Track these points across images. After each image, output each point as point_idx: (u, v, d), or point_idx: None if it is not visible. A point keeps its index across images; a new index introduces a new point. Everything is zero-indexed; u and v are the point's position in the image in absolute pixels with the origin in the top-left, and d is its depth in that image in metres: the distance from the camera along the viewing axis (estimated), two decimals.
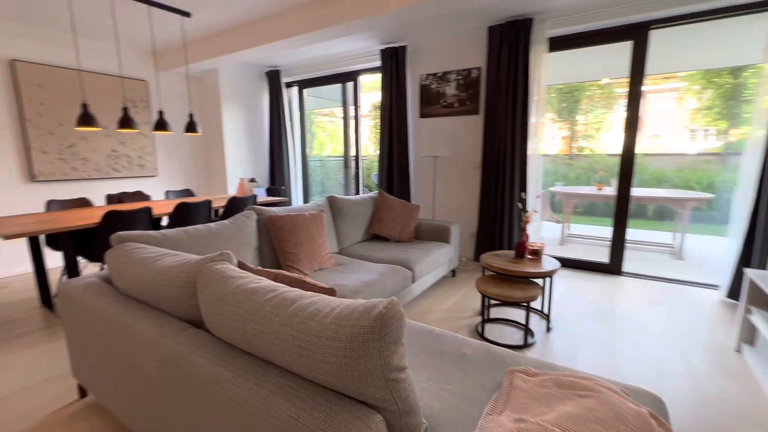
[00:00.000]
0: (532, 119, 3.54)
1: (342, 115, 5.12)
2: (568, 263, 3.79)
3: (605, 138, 6.17)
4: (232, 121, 5.09)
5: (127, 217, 2.60)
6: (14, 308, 2.91)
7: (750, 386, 1.87)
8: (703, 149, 5.65)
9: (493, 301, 2.87)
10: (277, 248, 2.35)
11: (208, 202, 3.12)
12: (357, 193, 5.14)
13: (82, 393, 1.78)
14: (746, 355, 2.12)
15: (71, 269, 2.49)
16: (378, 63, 4.45)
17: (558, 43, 3.48)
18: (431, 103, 4.16)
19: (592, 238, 5.10)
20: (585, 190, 4.83)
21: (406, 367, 0.88)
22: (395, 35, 3.97)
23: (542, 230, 5.06)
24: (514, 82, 3.50)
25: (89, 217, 2.61)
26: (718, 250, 4.51)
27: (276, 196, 4.44)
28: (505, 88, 3.54)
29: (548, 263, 2.42)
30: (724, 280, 2.94)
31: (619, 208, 3.45)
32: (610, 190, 4.55)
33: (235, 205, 3.32)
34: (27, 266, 3.88)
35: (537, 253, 2.50)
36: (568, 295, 3.06)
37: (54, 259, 4.05)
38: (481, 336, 2.34)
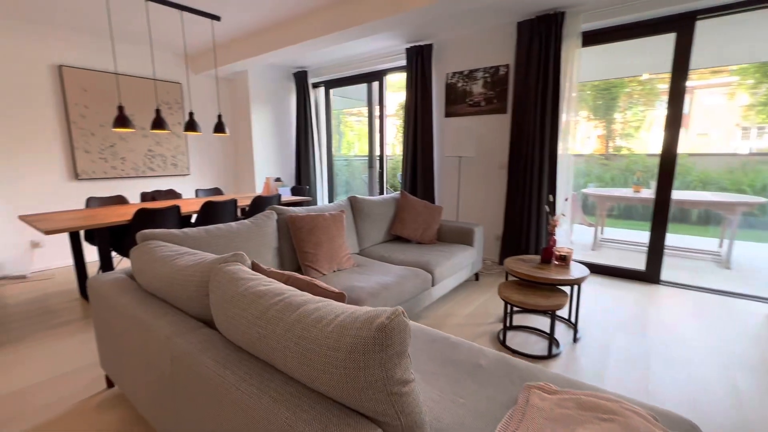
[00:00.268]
0: (563, 117, 3.38)
1: (367, 115, 5.11)
2: (600, 269, 3.59)
3: (645, 137, 5.81)
4: (260, 122, 5.21)
5: (157, 214, 2.70)
6: (57, 299, 3.11)
7: None
8: (756, 149, 5.20)
9: (516, 308, 2.76)
10: (296, 248, 2.37)
11: (234, 201, 3.20)
12: (381, 192, 5.12)
13: (110, 383, 1.86)
14: None
15: (105, 264, 2.62)
16: (403, 62, 4.40)
17: (592, 38, 3.30)
18: (457, 101, 4.06)
19: (628, 243, 4.82)
20: (621, 192, 4.57)
21: (411, 380, 0.84)
22: (421, 33, 3.91)
23: (572, 234, 4.84)
24: (544, 79, 3.35)
25: (122, 215, 2.74)
26: None
27: (300, 195, 4.50)
28: (534, 85, 3.40)
29: (576, 270, 2.30)
30: None
31: (658, 211, 3.23)
32: (649, 192, 4.27)
33: (259, 204, 3.39)
34: (70, 259, 4.14)
35: (564, 259, 2.38)
36: (599, 303, 2.89)
37: (93, 253, 4.30)
38: (503, 344, 2.25)
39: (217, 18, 3.49)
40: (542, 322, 2.57)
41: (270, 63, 4.67)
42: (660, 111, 5.46)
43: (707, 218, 5.33)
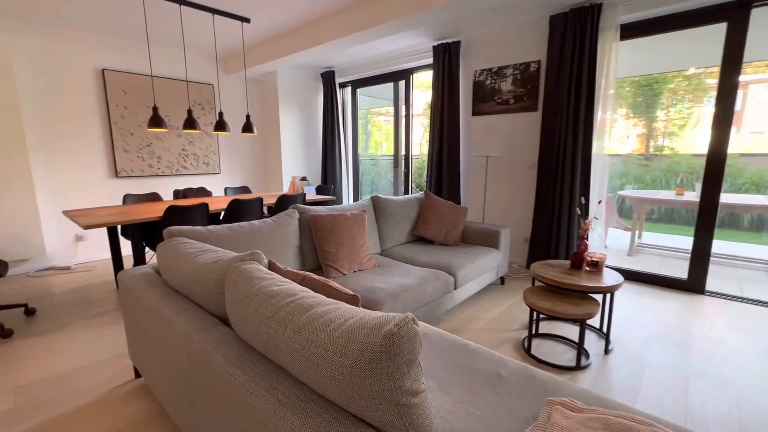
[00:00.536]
0: (599, 115, 3.21)
1: (393, 114, 5.08)
2: (636, 277, 3.38)
3: (690, 136, 5.43)
4: (288, 122, 5.30)
5: (186, 211, 2.79)
6: (96, 290, 3.29)
7: None
8: None
9: (543, 315, 2.64)
10: (317, 247, 2.37)
11: (260, 200, 3.26)
12: (406, 192, 5.07)
13: (137, 374, 1.93)
14: None
15: (138, 258, 2.74)
16: (430, 60, 4.34)
17: (632, 30, 3.10)
18: (485, 100, 3.95)
19: (669, 249, 4.51)
20: (662, 195, 4.29)
21: (422, 390, 0.80)
22: (448, 30, 3.83)
23: (607, 238, 4.60)
24: (578, 75, 3.19)
25: (154, 211, 2.85)
26: None
27: (325, 194, 4.54)
28: (567, 82, 3.25)
29: (609, 277, 2.16)
30: None
31: (704, 215, 3.00)
32: (694, 195, 3.98)
33: (284, 203, 3.43)
34: (109, 252, 4.37)
35: (597, 265, 2.25)
36: (635, 313, 2.72)
37: (130, 247, 4.52)
38: (527, 352, 2.15)
39: (246, 20, 3.57)
40: (571, 331, 2.45)
41: (298, 63, 4.73)
42: (708, 108, 5.08)
43: (761, 224, 4.91)
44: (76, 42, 3.89)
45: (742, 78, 2.74)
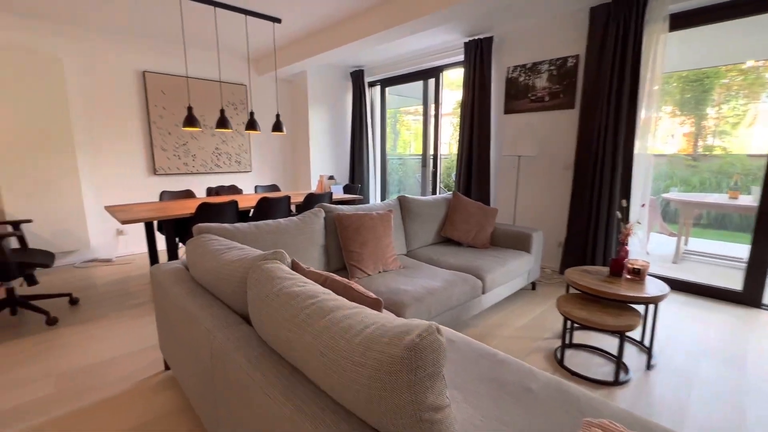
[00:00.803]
0: (642, 113, 3.00)
1: (423, 113, 5.01)
2: (682, 286, 3.14)
3: (745, 134, 4.99)
4: (317, 121, 5.35)
5: (217, 209, 2.86)
6: (134, 282, 3.44)
7: None
8: None
9: (577, 324, 2.49)
10: (342, 247, 2.35)
11: (287, 198, 3.29)
12: (434, 192, 4.99)
13: (167, 366, 1.99)
14: None
15: (171, 252, 2.83)
16: (461, 57, 4.23)
17: (682, 20, 2.88)
18: (518, 97, 3.80)
19: (719, 257, 4.17)
20: (713, 198, 3.97)
21: (446, 405, 0.74)
22: (480, 26, 3.72)
23: (649, 244, 4.31)
24: (620, 69, 3.00)
25: (187, 208, 2.94)
26: None
27: (352, 194, 4.53)
28: (608, 77, 3.06)
29: (653, 286, 2.00)
30: None
31: (764, 221, 2.73)
32: (749, 199, 3.66)
33: (311, 202, 3.45)
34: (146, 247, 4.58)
35: (639, 273, 2.09)
36: (680, 326, 2.51)
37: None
38: (560, 363, 2.04)
39: (278, 20, 3.62)
40: (608, 343, 2.29)
41: (327, 63, 4.76)
42: (767, 104, 4.66)
43: None
44: (120, 46, 4.09)
45: None
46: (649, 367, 2.02)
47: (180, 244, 3.34)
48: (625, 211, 2.97)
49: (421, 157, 5.13)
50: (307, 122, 5.28)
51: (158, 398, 1.76)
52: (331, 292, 1.06)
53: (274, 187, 4.58)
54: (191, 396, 1.49)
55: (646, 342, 2.26)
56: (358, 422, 0.77)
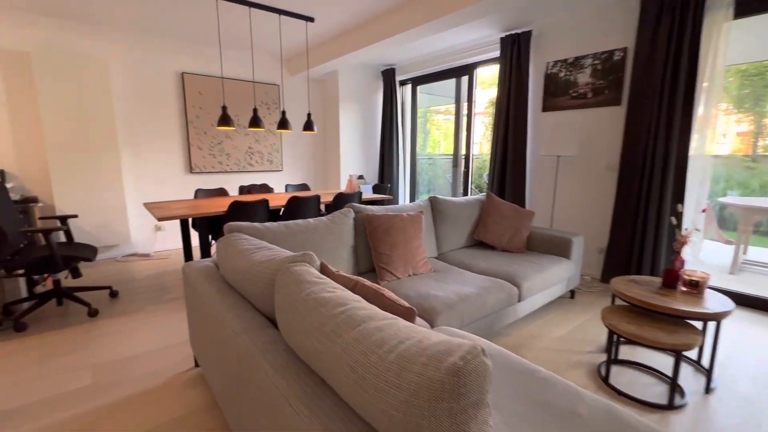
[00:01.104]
0: (699, 110, 2.74)
1: (455, 111, 4.87)
2: (741, 300, 2.85)
3: None
4: (347, 120, 5.33)
5: (248, 207, 2.88)
6: (169, 277, 3.55)
7: None
8: None
9: (623, 338, 2.30)
10: (371, 248, 2.29)
11: (317, 197, 3.27)
12: (465, 193, 4.84)
13: (196, 363, 2.00)
14: None
15: (204, 250, 2.88)
16: (496, 53, 4.07)
17: (752, 5, 2.60)
18: (558, 94, 3.60)
19: None
20: None
21: None
22: (518, 20, 3.55)
23: (702, 252, 3.97)
24: (674, 63, 2.76)
25: (220, 206, 2.98)
26: None
27: (381, 193, 4.48)
28: (661, 71, 2.82)
29: (714, 301, 1.80)
30: None
31: None
32: None
33: (340, 201, 3.42)
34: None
35: (697, 286, 1.89)
36: (742, 345, 2.27)
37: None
38: (605, 381, 1.88)
39: (311, 19, 3.62)
40: (658, 360, 2.10)
41: (359, 62, 4.72)
42: None
43: None
44: (161, 49, 4.24)
45: None
46: (708, 390, 1.82)
47: (212, 242, 3.40)
48: (680, 217, 2.73)
49: (452, 156, 5.00)
50: (338, 121, 5.28)
51: (188, 395, 1.77)
52: (361, 299, 1.00)
53: (304, 186, 4.61)
54: (218, 395, 1.47)
55: (704, 362, 2.04)
56: None
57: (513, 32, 3.72)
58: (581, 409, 1.11)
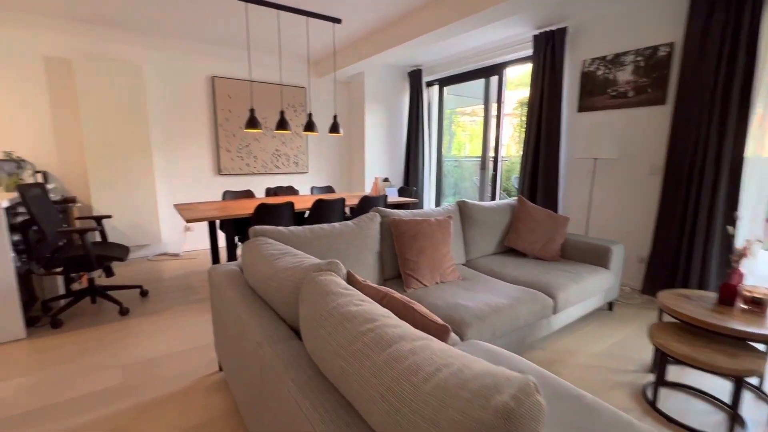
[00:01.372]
0: (758, 109, 2.51)
1: (483, 113, 4.73)
2: None
3: None
4: (373, 122, 5.29)
5: (274, 209, 2.88)
6: (196, 277, 3.60)
7: None
8: None
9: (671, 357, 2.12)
10: (398, 254, 2.22)
11: (342, 200, 3.23)
12: (493, 197, 4.69)
13: (220, 367, 1.99)
14: None
15: (230, 252, 2.90)
16: (528, 51, 3.91)
17: None
18: (595, 93, 3.41)
19: None
20: None
21: None
22: (553, 15, 3.39)
23: (759, 264, 3.65)
24: (729, 58, 2.54)
25: (246, 208, 2.99)
26: None
27: (407, 196, 4.39)
28: (713, 67, 2.60)
29: None
30: None
31: None
32: None
33: (366, 204, 3.37)
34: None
35: (760, 304, 1.70)
36: None
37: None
38: (652, 405, 1.72)
39: (338, 21, 3.60)
40: (714, 384, 1.91)
41: (386, 63, 4.68)
42: None
43: None
44: (193, 53, 4.34)
45: None
46: None
47: (239, 244, 3.42)
48: (736, 226, 2.50)
49: (479, 159, 4.85)
50: (363, 123, 5.25)
51: (211, 400, 1.76)
52: (391, 314, 0.93)
53: (329, 189, 4.59)
54: (240, 404, 1.44)
55: (766, 388, 1.84)
56: None
57: (547, 29, 3.56)
58: None
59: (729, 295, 1.78)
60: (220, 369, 1.99)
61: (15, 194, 2.61)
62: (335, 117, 3.72)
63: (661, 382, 1.83)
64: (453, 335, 1.59)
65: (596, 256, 2.65)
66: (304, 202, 3.46)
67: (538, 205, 3.78)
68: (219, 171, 4.69)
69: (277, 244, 1.65)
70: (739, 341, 1.65)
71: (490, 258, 2.75)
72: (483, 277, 2.32)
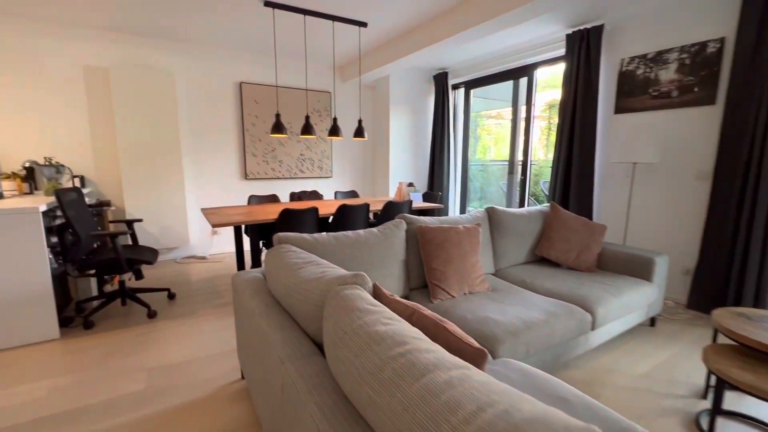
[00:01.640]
0: None
1: (510, 116, 4.58)
2: None
3: None
4: (397, 126, 5.23)
5: (298, 215, 2.86)
6: (222, 280, 3.64)
7: None
8: None
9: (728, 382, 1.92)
10: (424, 263, 2.13)
11: (366, 206, 3.18)
12: (522, 203, 4.51)
13: (243, 375, 1.96)
14: None
15: (255, 257, 2.89)
16: (561, 51, 3.75)
17: None
18: (634, 93, 3.21)
19: None
20: None
21: None
22: (588, 13, 3.23)
23: None
24: None
25: (271, 213, 2.99)
26: None
27: (432, 202, 4.30)
28: None
29: None
30: None
31: None
32: None
33: (390, 210, 3.30)
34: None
35: None
36: None
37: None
38: None
39: (364, 24, 3.57)
40: None
41: (411, 66, 4.62)
42: None
43: None
44: (222, 59, 4.43)
45: None
46: None
47: (263, 249, 3.43)
48: None
49: (507, 163, 4.69)
50: (388, 127, 5.20)
51: (233, 409, 1.72)
52: (421, 334, 0.85)
53: (353, 194, 4.56)
54: (261, 418, 1.39)
55: None
56: None
57: (581, 27, 3.40)
58: None
59: None
60: (243, 377, 1.97)
61: (53, 198, 2.71)
62: (360, 121, 3.68)
63: (717, 410, 1.65)
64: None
65: (637, 268, 2.47)
66: (327, 207, 3.43)
67: (570, 211, 3.59)
68: (245, 175, 4.75)
69: (301, 252, 1.60)
70: None
71: (521, 267, 2.62)
72: (514, 289, 2.20)
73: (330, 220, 3.23)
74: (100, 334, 2.50)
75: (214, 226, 2.62)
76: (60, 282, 2.69)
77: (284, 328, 1.24)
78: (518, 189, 4.59)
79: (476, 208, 5.74)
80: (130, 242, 3.63)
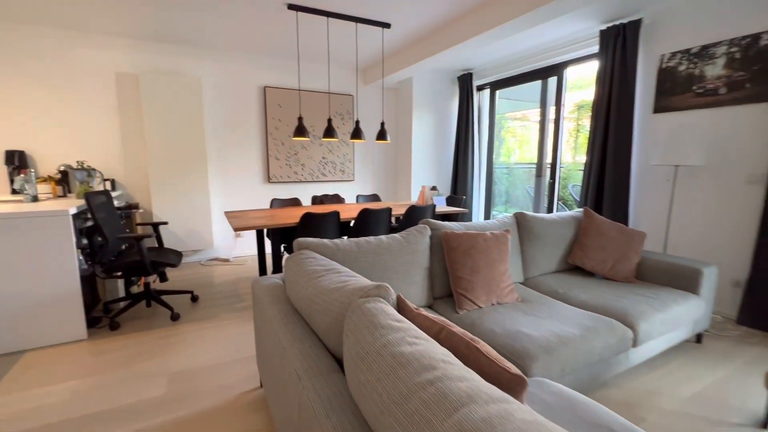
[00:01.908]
0: None
1: (538, 117, 4.40)
2: None
3: None
4: (420, 129, 5.14)
5: (319, 219, 2.81)
6: (243, 284, 3.65)
7: None
8: None
9: None
10: (449, 271, 2.03)
11: (389, 210, 3.11)
12: (550, 207, 4.32)
13: (261, 382, 1.92)
14: None
15: (276, 261, 2.87)
16: (594, 48, 3.56)
17: None
18: (676, 91, 3.00)
19: None
20: None
21: None
22: (625, 7, 3.05)
23: None
24: None
25: (292, 217, 2.96)
26: None
27: (456, 206, 4.18)
28: None
29: None
30: None
31: None
32: None
33: (413, 214, 3.22)
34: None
35: None
36: None
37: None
38: None
39: (387, 25, 3.51)
40: None
41: (435, 67, 4.53)
42: None
43: None
44: (247, 64, 4.48)
45: None
46: None
47: (284, 253, 3.41)
48: None
49: (535, 166, 4.51)
50: (411, 130, 5.12)
51: (252, 420, 1.68)
52: (452, 356, 0.76)
53: (374, 197, 4.50)
54: (276, 424, 1.33)
55: None
56: None
57: (617, 23, 3.21)
58: None
59: None
60: (261, 385, 1.92)
61: (83, 201, 2.78)
62: (382, 124, 3.62)
63: None
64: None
65: (682, 279, 2.27)
66: (349, 211, 3.38)
67: (605, 216, 3.39)
68: (268, 179, 4.78)
69: (321, 258, 1.54)
70: None
71: (552, 277, 2.47)
72: (545, 300, 2.06)
73: (351, 224, 3.18)
74: (126, 335, 2.53)
75: (236, 229, 2.61)
76: (89, 283, 2.75)
77: (302, 340, 1.18)
78: (546, 193, 4.40)
79: (501, 213, 5.56)
80: (156, 244, 3.70)
